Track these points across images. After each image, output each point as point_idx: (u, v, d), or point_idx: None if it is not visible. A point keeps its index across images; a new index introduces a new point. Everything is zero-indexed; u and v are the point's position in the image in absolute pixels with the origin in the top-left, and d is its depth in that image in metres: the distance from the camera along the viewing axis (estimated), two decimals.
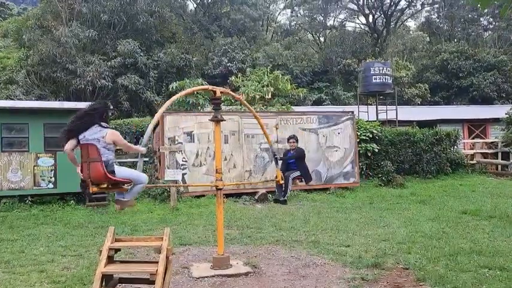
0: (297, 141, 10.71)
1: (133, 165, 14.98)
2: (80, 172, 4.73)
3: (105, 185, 4.70)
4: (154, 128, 14.00)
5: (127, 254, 6.39)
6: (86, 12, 24.35)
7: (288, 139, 11.02)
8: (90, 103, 5.28)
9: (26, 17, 28.20)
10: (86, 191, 4.80)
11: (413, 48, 37.32)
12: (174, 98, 5.89)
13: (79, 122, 4.75)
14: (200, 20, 37.38)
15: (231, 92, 7.27)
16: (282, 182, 7.53)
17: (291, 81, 21.61)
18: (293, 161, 10.52)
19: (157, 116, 5.48)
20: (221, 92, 6.04)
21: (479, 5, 2.98)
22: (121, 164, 14.77)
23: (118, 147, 5.00)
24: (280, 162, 7.76)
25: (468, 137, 22.09)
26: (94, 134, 4.65)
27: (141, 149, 5.12)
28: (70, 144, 4.72)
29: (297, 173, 9.99)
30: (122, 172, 4.79)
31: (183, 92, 6.38)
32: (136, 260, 5.73)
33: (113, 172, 4.61)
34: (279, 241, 7.24)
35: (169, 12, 30.18)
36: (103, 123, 4.76)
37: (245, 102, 6.91)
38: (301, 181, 10.37)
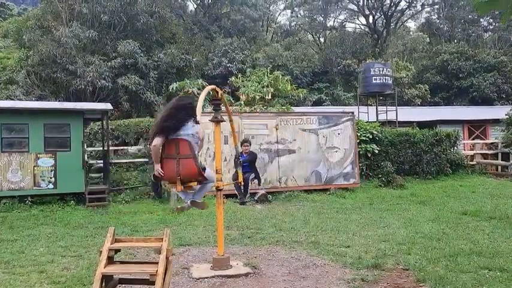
0: (250, 145, 11.04)
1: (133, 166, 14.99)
2: (160, 169, 4.49)
3: (194, 183, 4.51)
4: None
5: (127, 254, 6.39)
6: (86, 13, 24.33)
7: (242, 143, 11.22)
8: (178, 98, 4.95)
9: (26, 17, 28.20)
10: (158, 190, 4.62)
11: (413, 49, 37.31)
12: (207, 88, 5.78)
13: (176, 118, 4.46)
14: (200, 20, 37.38)
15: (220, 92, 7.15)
16: (242, 183, 7.89)
17: (291, 81, 21.63)
18: (247, 163, 10.73)
19: (199, 106, 5.20)
20: (217, 92, 6.00)
21: (476, 9, 2.99)
22: (116, 164, 14.79)
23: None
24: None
25: (468, 138, 22.08)
26: (188, 130, 4.45)
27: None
28: (159, 140, 4.42)
29: (253, 175, 10.30)
30: (208, 170, 4.63)
31: (206, 89, 6.13)
32: (136, 261, 5.73)
33: (204, 169, 4.43)
34: (279, 242, 7.24)
35: (170, 12, 30.16)
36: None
37: (226, 103, 6.95)
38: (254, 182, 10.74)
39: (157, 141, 4.41)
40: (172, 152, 4.42)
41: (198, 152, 4.56)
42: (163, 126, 4.44)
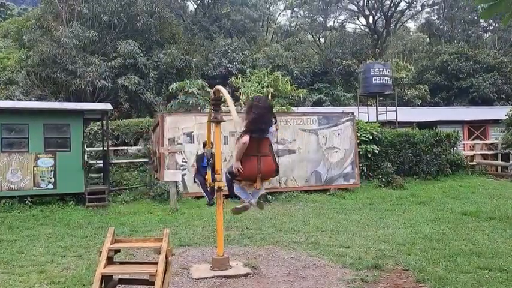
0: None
1: (133, 166, 14.98)
2: (240, 167, 4.62)
3: (268, 181, 4.71)
4: (154, 129, 14.01)
5: (126, 254, 6.39)
6: (86, 13, 24.34)
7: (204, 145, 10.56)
8: (263, 99, 5.11)
9: (26, 17, 28.21)
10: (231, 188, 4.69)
11: (413, 49, 37.30)
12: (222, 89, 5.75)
13: (267, 119, 4.67)
14: (200, 20, 37.38)
15: (223, 91, 7.10)
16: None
17: (291, 82, 21.61)
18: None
19: (232, 106, 5.19)
20: (215, 92, 5.99)
21: (481, 14, 3.02)
22: (116, 164, 14.78)
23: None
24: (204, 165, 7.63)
25: (468, 138, 22.08)
26: (270, 129, 4.66)
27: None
28: (248, 138, 4.59)
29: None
30: None
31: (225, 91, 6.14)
32: (135, 261, 5.73)
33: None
34: (279, 242, 7.24)
35: (170, 13, 30.16)
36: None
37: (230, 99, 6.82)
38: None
39: (247, 138, 4.56)
40: (254, 150, 4.57)
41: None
42: (260, 128, 4.61)
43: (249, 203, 5.05)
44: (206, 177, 7.11)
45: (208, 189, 7.99)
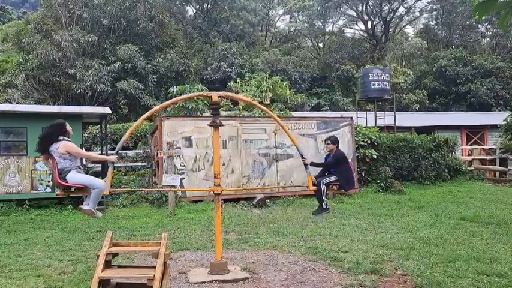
0: (334, 143, 7.99)
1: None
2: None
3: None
4: (153, 133, 14.01)
5: (124, 258, 6.37)
6: (86, 17, 24.42)
7: (325, 140, 9.02)
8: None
9: (26, 21, 28.27)
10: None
11: (411, 54, 37.47)
12: (167, 103, 6.02)
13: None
14: (199, 25, 37.51)
15: (232, 95, 7.24)
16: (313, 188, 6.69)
17: (290, 86, 21.68)
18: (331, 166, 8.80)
19: (139, 120, 5.76)
20: (219, 96, 6.04)
21: (476, 16, 3.01)
22: (114, 168, 14.77)
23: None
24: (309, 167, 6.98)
25: (466, 143, 22.13)
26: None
27: (107, 158, 5.55)
28: None
29: (332, 178, 7.71)
30: (76, 179, 5.12)
31: (176, 98, 6.43)
32: (133, 265, 5.71)
33: (64, 178, 5.05)
34: (277, 246, 7.23)
35: (169, 17, 30.30)
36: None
37: (249, 100, 6.87)
38: (338, 187, 7.90)
39: None
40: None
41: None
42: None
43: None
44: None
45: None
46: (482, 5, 2.66)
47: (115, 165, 14.93)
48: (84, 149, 13.90)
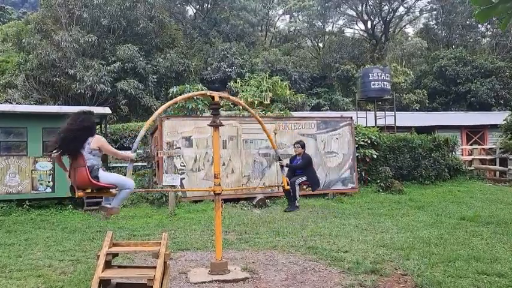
0: (303, 147, 9.96)
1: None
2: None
3: (89, 190, 4.72)
4: (153, 133, 14.02)
5: (125, 258, 6.38)
6: (86, 17, 24.42)
7: (294, 144, 10.30)
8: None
9: (26, 21, 28.27)
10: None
11: (411, 54, 37.48)
12: (170, 102, 5.90)
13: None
14: (199, 25, 37.52)
15: (230, 97, 7.28)
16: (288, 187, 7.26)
17: (290, 86, 21.68)
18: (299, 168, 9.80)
19: (150, 120, 5.53)
20: (220, 97, 6.05)
21: (477, 18, 3.02)
22: (114, 168, 14.78)
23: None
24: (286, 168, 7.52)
25: (466, 143, 22.13)
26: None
27: (129, 155, 5.10)
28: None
29: (303, 178, 9.31)
30: (107, 177, 4.78)
31: (179, 97, 6.42)
32: (134, 265, 5.71)
33: (96, 177, 4.66)
34: (277, 246, 7.23)
35: (169, 17, 30.30)
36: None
37: (246, 106, 6.87)
38: (307, 186, 9.69)
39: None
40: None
41: None
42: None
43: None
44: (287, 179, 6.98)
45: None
46: (483, 10, 2.69)
47: (114, 165, 14.99)
48: None
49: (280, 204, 11.99)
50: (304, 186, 8.86)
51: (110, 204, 4.98)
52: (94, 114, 4.97)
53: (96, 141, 4.72)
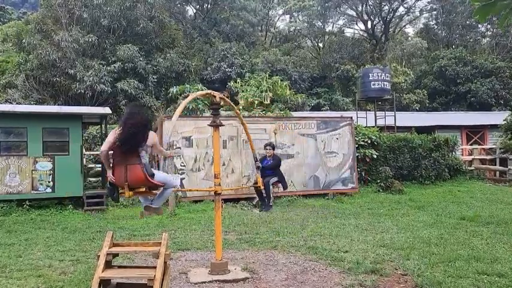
0: (273, 148, 10.88)
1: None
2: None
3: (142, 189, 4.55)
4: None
5: (125, 258, 6.38)
6: (86, 17, 24.42)
7: (265, 146, 11.02)
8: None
9: (26, 21, 28.27)
10: (115, 195, 4.63)
11: (411, 54, 37.48)
12: (187, 100, 5.78)
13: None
14: (199, 25, 37.51)
15: (228, 100, 7.26)
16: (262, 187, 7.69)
17: (290, 86, 21.66)
18: (270, 168, 10.63)
19: (174, 117, 5.33)
20: (220, 98, 6.05)
21: (477, 18, 3.03)
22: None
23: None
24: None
25: (466, 143, 22.14)
26: None
27: (169, 153, 5.03)
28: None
29: (275, 179, 10.18)
30: (159, 176, 4.67)
31: (195, 94, 6.37)
32: (134, 265, 5.71)
33: (152, 175, 4.52)
34: (277, 246, 7.23)
35: (169, 17, 30.30)
36: None
37: (238, 112, 6.97)
38: (279, 186, 10.63)
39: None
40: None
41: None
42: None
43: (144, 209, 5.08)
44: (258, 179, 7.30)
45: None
46: (482, 7, 2.69)
47: None
48: (84, 149, 13.91)
49: (279, 205, 11.98)
50: (277, 188, 9.64)
51: (152, 203, 4.86)
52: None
53: (153, 137, 4.57)
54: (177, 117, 5.29)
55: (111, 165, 4.51)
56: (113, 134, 4.56)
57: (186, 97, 16.82)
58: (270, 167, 9.37)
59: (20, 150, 11.32)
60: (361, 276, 5.58)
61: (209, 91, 6.07)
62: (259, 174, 7.37)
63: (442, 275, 5.52)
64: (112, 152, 4.48)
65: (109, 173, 4.58)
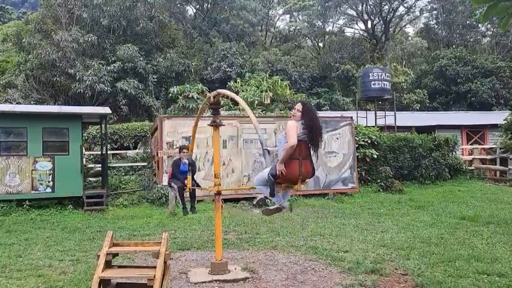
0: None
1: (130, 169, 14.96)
2: (284, 169, 4.51)
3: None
4: (153, 133, 14.01)
5: (125, 258, 6.37)
6: (86, 17, 24.41)
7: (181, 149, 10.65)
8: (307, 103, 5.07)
9: (26, 21, 28.26)
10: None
11: (411, 54, 37.45)
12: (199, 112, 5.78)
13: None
14: (199, 25, 37.49)
15: (227, 92, 7.20)
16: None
17: (290, 86, 21.68)
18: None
19: (254, 117, 5.31)
20: (214, 96, 6.01)
21: (479, 18, 3.04)
22: (114, 168, 14.76)
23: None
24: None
25: (466, 143, 22.12)
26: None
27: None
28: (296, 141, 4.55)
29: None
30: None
31: (215, 91, 6.31)
32: (134, 265, 5.71)
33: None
34: (277, 246, 7.23)
35: (169, 17, 30.27)
36: None
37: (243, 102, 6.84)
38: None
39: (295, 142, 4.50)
40: (296, 153, 4.54)
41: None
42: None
43: (281, 205, 4.96)
44: (186, 182, 6.98)
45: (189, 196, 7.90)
46: (487, 9, 2.69)
47: (114, 165, 15.00)
48: (84, 149, 13.90)
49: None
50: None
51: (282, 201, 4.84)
52: None
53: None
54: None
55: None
56: (295, 128, 4.55)
57: (186, 97, 16.88)
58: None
59: (20, 150, 11.31)
60: (361, 276, 5.57)
61: (208, 96, 6.06)
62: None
63: (442, 274, 5.51)
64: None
65: (281, 167, 4.49)
